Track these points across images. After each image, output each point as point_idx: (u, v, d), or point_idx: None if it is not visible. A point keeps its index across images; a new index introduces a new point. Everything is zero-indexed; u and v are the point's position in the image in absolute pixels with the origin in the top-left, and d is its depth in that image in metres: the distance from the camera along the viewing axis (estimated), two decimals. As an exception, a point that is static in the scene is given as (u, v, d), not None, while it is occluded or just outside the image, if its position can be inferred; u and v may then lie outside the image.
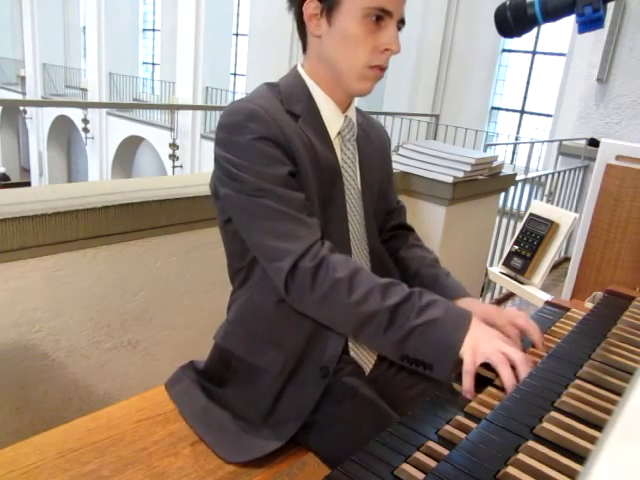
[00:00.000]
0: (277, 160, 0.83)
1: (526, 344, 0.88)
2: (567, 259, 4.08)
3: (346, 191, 0.94)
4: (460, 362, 0.76)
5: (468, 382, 0.74)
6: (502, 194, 2.84)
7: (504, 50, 8.24)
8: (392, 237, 1.12)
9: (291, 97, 0.91)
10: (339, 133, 0.94)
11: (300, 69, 0.94)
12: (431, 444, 0.61)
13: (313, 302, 0.81)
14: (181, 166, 10.29)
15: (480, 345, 0.75)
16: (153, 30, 13.26)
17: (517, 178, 2.98)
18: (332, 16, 0.85)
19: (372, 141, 1.03)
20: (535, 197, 3.81)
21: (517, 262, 1.48)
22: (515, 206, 3.36)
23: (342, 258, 0.83)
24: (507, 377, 0.73)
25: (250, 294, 0.92)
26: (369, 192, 0.99)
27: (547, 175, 4.03)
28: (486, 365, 0.76)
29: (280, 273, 0.81)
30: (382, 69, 0.89)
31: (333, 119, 0.93)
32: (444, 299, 0.82)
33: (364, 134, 1.02)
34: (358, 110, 1.04)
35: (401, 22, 0.88)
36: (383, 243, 1.08)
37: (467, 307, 0.91)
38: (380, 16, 0.84)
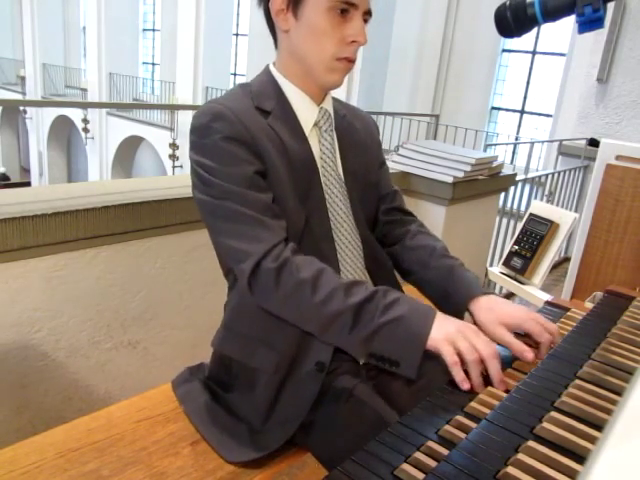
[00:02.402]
0: (243, 159, 0.84)
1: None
2: (567, 259, 4.08)
3: (326, 182, 0.94)
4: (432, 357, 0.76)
5: (458, 374, 0.74)
6: (502, 194, 2.84)
7: (504, 50, 8.25)
8: (389, 222, 1.08)
9: (262, 95, 0.92)
10: (316, 124, 0.95)
11: (271, 67, 0.96)
12: (431, 444, 0.61)
13: (278, 303, 0.82)
14: (181, 166, 10.28)
15: (452, 336, 0.76)
16: (153, 30, 13.27)
17: (517, 178, 2.98)
18: (298, 10, 0.87)
19: (357, 130, 1.04)
20: (535, 197, 3.81)
21: (517, 262, 1.48)
22: (515, 206, 3.36)
23: (306, 259, 0.83)
24: (476, 379, 0.74)
25: (240, 296, 0.93)
26: (353, 180, 0.99)
27: (547, 175, 4.03)
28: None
29: (243, 274, 0.82)
30: (350, 61, 0.90)
31: (307, 112, 0.94)
32: (408, 297, 0.82)
33: (347, 124, 1.02)
34: (341, 102, 1.06)
35: (367, 14, 0.89)
36: (380, 229, 1.07)
37: (498, 305, 0.90)
38: (345, 9, 0.85)
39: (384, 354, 0.78)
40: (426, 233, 1.08)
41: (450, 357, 0.74)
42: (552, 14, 0.74)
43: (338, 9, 0.85)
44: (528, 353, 0.80)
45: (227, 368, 0.94)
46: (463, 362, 0.75)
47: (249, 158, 0.85)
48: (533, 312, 0.89)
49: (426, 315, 0.79)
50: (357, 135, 1.03)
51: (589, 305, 1.17)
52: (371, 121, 1.11)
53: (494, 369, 0.74)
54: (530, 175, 3.60)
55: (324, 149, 0.95)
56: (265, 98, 0.92)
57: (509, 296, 3.31)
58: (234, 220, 0.83)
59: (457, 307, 0.94)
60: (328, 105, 0.98)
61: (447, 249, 1.04)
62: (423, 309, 0.80)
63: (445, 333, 0.76)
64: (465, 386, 0.73)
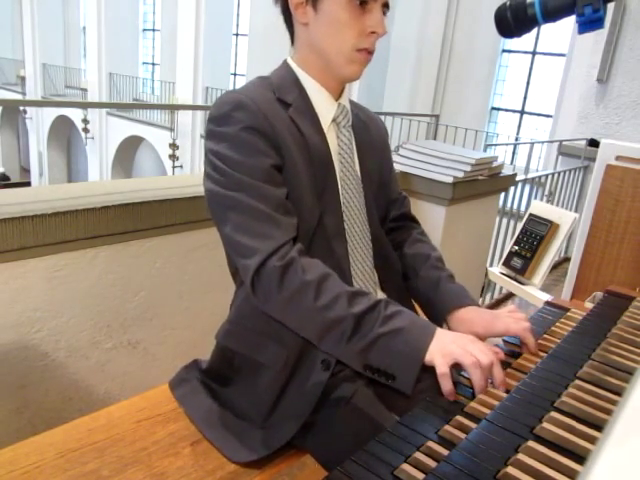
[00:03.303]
0: (261, 151, 0.83)
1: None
2: (567, 259, 4.08)
3: (342, 178, 0.94)
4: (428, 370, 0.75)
5: (446, 385, 0.74)
6: (502, 194, 2.84)
7: (504, 50, 8.24)
8: (395, 228, 1.10)
9: (282, 87, 0.92)
10: (334, 120, 0.95)
11: (290, 61, 0.96)
12: (431, 444, 0.61)
13: (279, 303, 0.80)
14: (181, 166, 10.29)
15: (447, 346, 0.75)
16: (153, 30, 13.26)
17: (517, 178, 2.98)
18: (317, 3, 0.87)
19: (370, 130, 1.04)
20: (535, 197, 3.81)
21: (517, 262, 1.48)
22: (515, 206, 3.36)
23: (313, 261, 0.82)
24: (478, 379, 0.73)
25: (248, 292, 0.92)
26: (369, 178, 0.99)
27: (547, 175, 4.03)
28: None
29: (247, 271, 0.80)
30: (370, 52, 0.90)
31: (326, 107, 0.94)
32: (410, 311, 0.82)
33: (361, 123, 1.02)
34: (353, 102, 1.05)
35: (385, 6, 0.89)
36: (386, 234, 1.07)
37: (470, 316, 0.91)
38: (364, 0, 0.86)
39: (380, 366, 0.77)
40: (424, 241, 1.09)
41: (440, 367, 0.74)
42: (552, 14, 0.74)
43: (357, 1, 0.85)
44: None
45: (229, 362, 0.93)
46: (461, 368, 0.75)
47: (267, 150, 0.84)
48: (503, 322, 0.88)
49: (426, 330, 0.78)
50: (371, 135, 1.03)
51: (589, 305, 1.18)
52: (381, 123, 1.11)
53: (482, 380, 0.74)
54: (530, 175, 3.60)
55: (342, 145, 0.95)
56: (286, 90, 0.91)
57: (509, 296, 3.32)
58: (245, 214, 0.81)
59: (436, 319, 0.95)
60: (345, 101, 0.98)
61: (441, 259, 1.05)
62: (423, 324, 0.80)
63: (442, 347, 0.76)
64: (451, 398, 0.73)
